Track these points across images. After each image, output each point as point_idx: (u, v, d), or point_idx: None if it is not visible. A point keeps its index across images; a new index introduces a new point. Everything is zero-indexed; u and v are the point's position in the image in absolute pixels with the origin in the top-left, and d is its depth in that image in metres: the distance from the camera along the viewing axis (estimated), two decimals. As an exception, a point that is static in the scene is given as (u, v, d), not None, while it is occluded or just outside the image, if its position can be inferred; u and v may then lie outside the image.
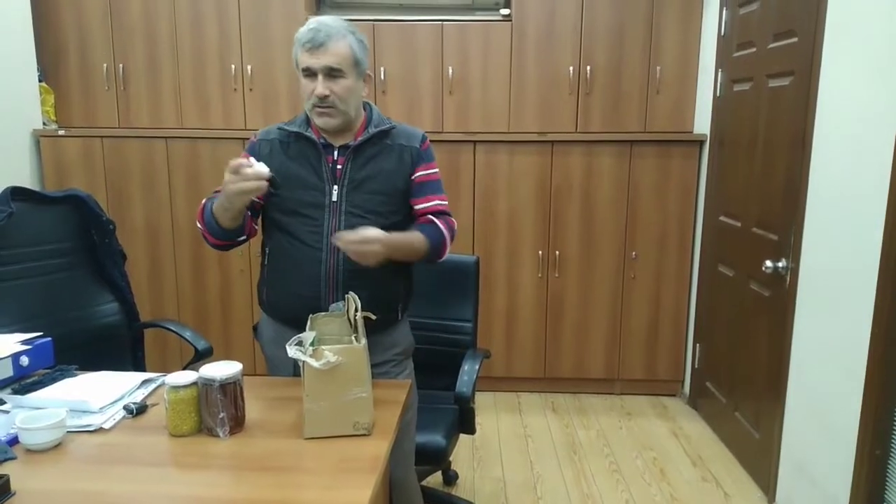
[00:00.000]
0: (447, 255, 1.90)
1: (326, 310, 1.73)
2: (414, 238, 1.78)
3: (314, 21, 1.74)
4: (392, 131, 1.85)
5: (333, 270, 1.77)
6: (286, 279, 1.83)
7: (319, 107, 1.74)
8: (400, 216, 1.84)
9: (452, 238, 1.87)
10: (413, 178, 1.84)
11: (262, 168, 1.60)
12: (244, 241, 1.86)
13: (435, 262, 1.88)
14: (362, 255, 1.63)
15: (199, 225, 1.83)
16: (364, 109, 1.87)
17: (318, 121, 1.77)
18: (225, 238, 1.81)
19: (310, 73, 1.73)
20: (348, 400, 1.46)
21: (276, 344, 1.85)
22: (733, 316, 3.13)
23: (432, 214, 1.84)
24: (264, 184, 1.60)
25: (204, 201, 1.83)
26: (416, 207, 1.85)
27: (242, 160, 1.61)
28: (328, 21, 1.74)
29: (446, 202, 1.90)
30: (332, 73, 1.72)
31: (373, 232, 1.64)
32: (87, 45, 3.62)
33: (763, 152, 2.84)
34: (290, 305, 1.83)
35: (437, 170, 1.90)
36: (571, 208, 3.60)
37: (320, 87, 1.71)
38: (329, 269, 1.77)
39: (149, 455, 1.42)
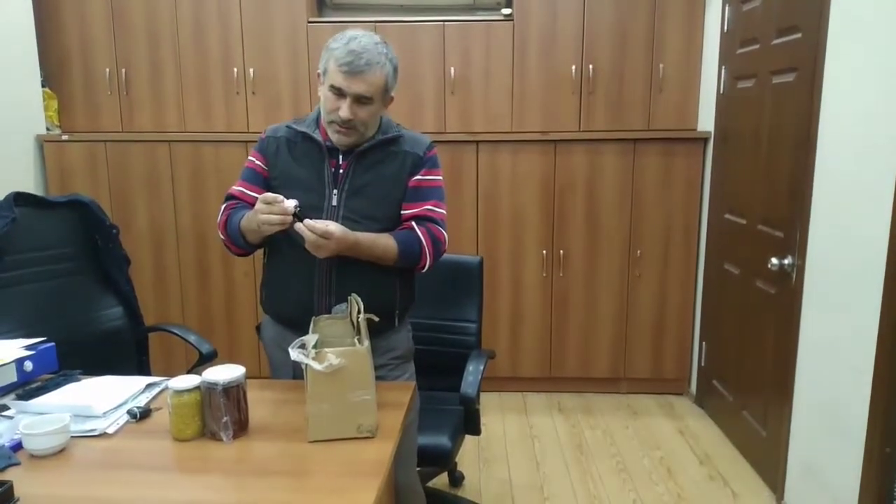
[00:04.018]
0: (445, 257, 1.88)
1: (320, 314, 1.73)
2: (381, 241, 1.75)
3: (354, 42, 1.68)
4: (399, 139, 1.84)
5: (326, 275, 1.77)
6: (281, 281, 1.85)
7: (339, 126, 1.74)
8: (398, 223, 1.83)
9: (436, 247, 1.82)
10: (409, 183, 1.83)
11: (289, 204, 1.61)
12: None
13: (418, 270, 1.86)
14: (315, 246, 1.64)
15: (221, 235, 1.86)
16: None
17: (334, 137, 1.77)
18: (248, 249, 1.85)
19: (339, 92, 1.71)
20: (352, 403, 1.46)
21: (276, 345, 1.87)
22: (739, 314, 3.11)
23: (419, 219, 1.81)
24: (289, 219, 1.62)
25: (225, 213, 1.84)
26: (403, 212, 1.82)
27: (275, 196, 1.62)
28: (368, 45, 1.69)
29: (441, 210, 1.85)
30: (361, 99, 1.71)
31: (333, 227, 1.63)
32: (90, 50, 3.63)
33: (767, 149, 2.82)
34: (284, 307, 1.85)
35: (438, 177, 1.87)
36: (575, 207, 3.59)
37: (346, 110, 1.70)
38: (322, 273, 1.77)
39: (152, 460, 1.42)
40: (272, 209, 1.61)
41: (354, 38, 1.70)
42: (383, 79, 1.73)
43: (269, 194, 1.63)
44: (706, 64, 3.48)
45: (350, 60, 1.67)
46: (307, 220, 1.62)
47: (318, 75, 1.81)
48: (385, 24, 3.53)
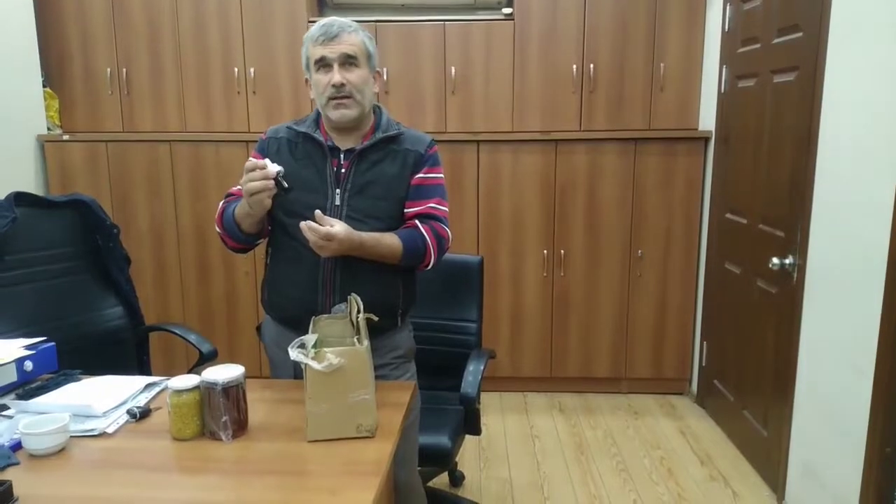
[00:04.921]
0: (446, 257, 1.88)
1: (323, 313, 1.73)
2: (386, 240, 1.75)
3: (324, 19, 1.77)
4: (399, 137, 1.84)
5: (330, 275, 1.77)
6: (285, 280, 1.84)
7: (336, 97, 1.74)
8: (401, 221, 1.83)
9: (440, 244, 1.82)
10: (412, 181, 1.83)
11: (271, 168, 1.63)
12: (260, 242, 1.89)
13: (422, 268, 1.85)
14: (318, 247, 1.65)
15: (217, 229, 1.86)
16: (374, 113, 1.87)
17: (335, 114, 1.76)
18: (245, 242, 1.85)
19: (325, 64, 1.74)
20: (351, 402, 1.46)
21: (277, 345, 1.87)
22: (740, 313, 3.10)
23: (423, 217, 1.81)
24: (270, 183, 1.62)
25: (222, 205, 1.86)
26: (407, 211, 1.82)
27: (258, 161, 1.65)
28: (337, 19, 1.78)
29: (444, 208, 1.85)
30: (347, 60, 1.74)
31: (337, 228, 1.64)
32: (91, 50, 3.63)
33: (769, 148, 2.82)
34: (287, 306, 1.84)
35: (439, 175, 1.87)
36: (576, 207, 3.59)
37: (337, 75, 1.73)
38: (326, 273, 1.77)
39: (152, 459, 1.42)
40: (253, 175, 1.63)
41: (322, 19, 1.79)
42: (360, 40, 1.78)
43: (251, 162, 1.65)
44: (707, 63, 3.48)
45: (323, 31, 1.74)
46: (309, 222, 1.62)
47: (306, 80, 1.84)
48: (386, 24, 3.53)
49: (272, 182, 1.63)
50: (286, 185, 1.64)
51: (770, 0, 2.81)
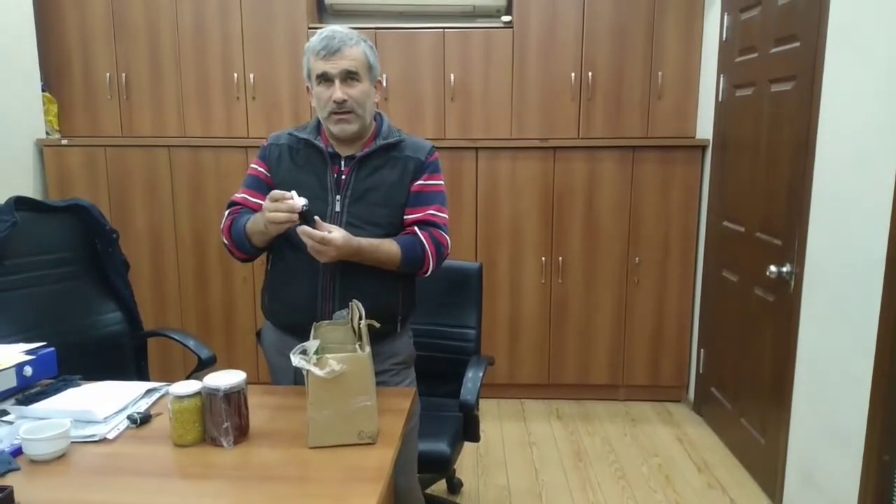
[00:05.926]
0: (444, 264, 1.87)
1: (322, 319, 1.73)
2: (384, 246, 1.75)
3: (326, 30, 1.76)
4: (400, 144, 1.85)
5: (330, 281, 1.77)
6: (284, 286, 1.85)
7: (337, 113, 1.75)
8: (401, 228, 1.83)
9: (439, 251, 1.82)
10: (411, 188, 1.83)
11: (298, 202, 1.61)
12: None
13: (421, 275, 1.86)
14: (316, 252, 1.65)
15: (224, 240, 1.86)
16: (375, 120, 1.87)
17: (336, 128, 1.77)
18: (253, 254, 1.85)
19: (326, 78, 1.74)
20: (353, 409, 1.46)
21: (277, 350, 1.87)
22: (738, 321, 3.11)
23: (422, 224, 1.82)
24: (295, 217, 1.61)
25: (229, 215, 1.85)
26: (406, 217, 1.82)
27: (284, 192, 1.62)
28: (339, 29, 1.77)
29: (443, 215, 1.86)
30: (349, 76, 1.74)
31: (335, 234, 1.63)
32: (90, 55, 3.64)
33: (766, 157, 2.84)
34: (287, 312, 1.85)
35: (439, 182, 1.88)
36: (574, 214, 3.60)
37: (338, 92, 1.73)
38: (326, 279, 1.77)
39: (153, 465, 1.42)
40: (279, 206, 1.61)
41: (327, 28, 1.78)
42: (362, 53, 1.77)
43: (277, 191, 1.63)
44: (705, 72, 3.50)
45: (325, 45, 1.73)
46: (306, 227, 1.63)
47: (307, 88, 1.84)
48: (385, 31, 3.54)
49: (297, 216, 1.61)
50: (308, 218, 1.63)
51: (768, 10, 2.83)
